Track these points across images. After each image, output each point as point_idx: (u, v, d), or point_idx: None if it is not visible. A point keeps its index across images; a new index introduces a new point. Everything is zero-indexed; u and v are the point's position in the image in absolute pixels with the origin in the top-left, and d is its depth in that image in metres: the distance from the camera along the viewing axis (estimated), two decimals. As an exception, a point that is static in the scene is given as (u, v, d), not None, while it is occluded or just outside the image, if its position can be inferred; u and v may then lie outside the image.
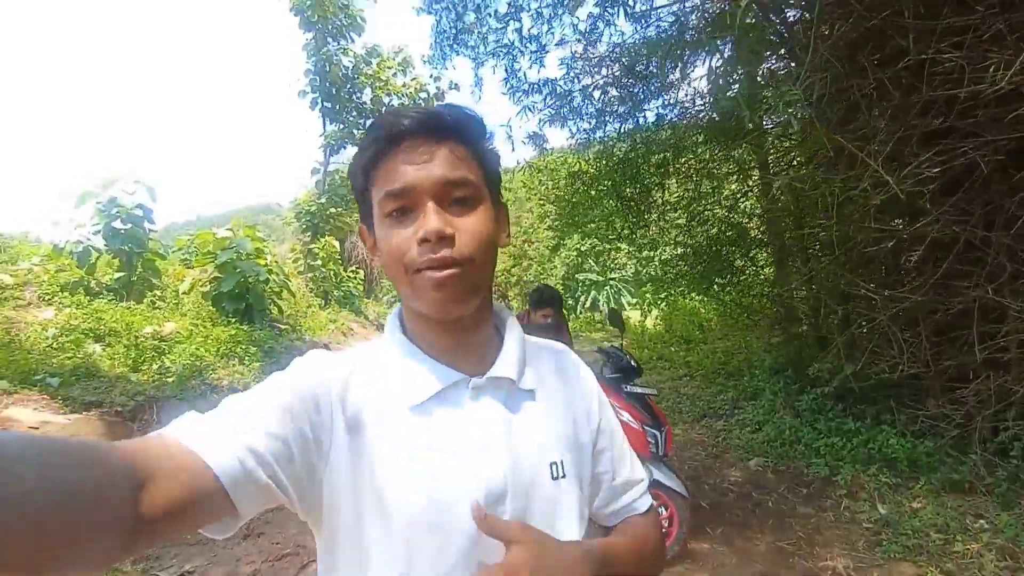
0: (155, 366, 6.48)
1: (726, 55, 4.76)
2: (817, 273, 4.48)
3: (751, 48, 3.69)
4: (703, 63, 5.66)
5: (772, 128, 5.51)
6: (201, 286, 9.39)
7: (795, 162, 5.23)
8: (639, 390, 3.11)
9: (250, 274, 9.08)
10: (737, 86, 4.86)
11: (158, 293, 9.40)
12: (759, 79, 4.28)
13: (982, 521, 2.84)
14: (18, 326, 6.37)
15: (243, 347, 7.68)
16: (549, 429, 0.65)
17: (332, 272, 13.55)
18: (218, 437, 0.50)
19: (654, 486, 2.77)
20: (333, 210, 14.61)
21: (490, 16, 6.66)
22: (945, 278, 3.32)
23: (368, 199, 0.62)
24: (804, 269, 5.50)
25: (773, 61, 4.80)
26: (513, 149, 5.95)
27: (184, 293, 9.55)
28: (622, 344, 3.62)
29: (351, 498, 0.57)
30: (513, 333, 0.69)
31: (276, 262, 10.48)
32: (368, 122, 14.54)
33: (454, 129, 0.61)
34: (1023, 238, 2.90)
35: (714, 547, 3.07)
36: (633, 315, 13.98)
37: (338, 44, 14.50)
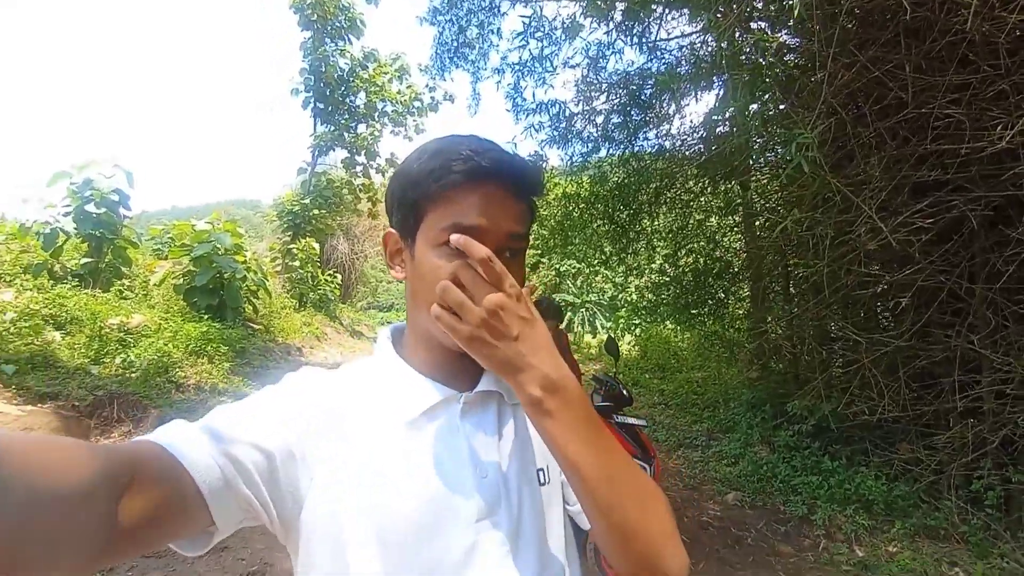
0: (118, 359, 6.21)
1: (723, 92, 4.90)
2: (802, 312, 4.55)
3: (755, 88, 3.79)
4: (700, 98, 5.81)
5: (761, 167, 5.67)
6: (174, 279, 9.09)
7: (780, 203, 5.37)
8: (630, 420, 3.08)
9: (227, 270, 8.83)
10: (731, 124, 4.99)
11: (127, 283, 9.07)
12: (750, 119, 4.40)
13: (957, 569, 2.88)
14: (-26, 308, 6.04)
15: (214, 345, 7.43)
16: (534, 438, 0.67)
17: (309, 274, 13.31)
18: (203, 445, 0.50)
19: None
20: (316, 212, 14.40)
21: (492, 33, 6.73)
22: (927, 326, 3.41)
23: (420, 215, 0.61)
24: (786, 307, 5.62)
25: (765, 103, 4.93)
26: None
27: (155, 285, 9.24)
28: (615, 373, 3.60)
29: (337, 515, 0.56)
30: None
31: (255, 260, 10.23)
32: (358, 125, 14.45)
33: (533, 187, 0.64)
34: (1005, 292, 3.00)
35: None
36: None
37: (336, 45, 14.46)
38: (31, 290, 7.02)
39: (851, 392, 3.89)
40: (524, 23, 5.26)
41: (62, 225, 8.19)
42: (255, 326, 9.87)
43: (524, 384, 0.53)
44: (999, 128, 2.39)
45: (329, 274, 14.60)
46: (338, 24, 14.15)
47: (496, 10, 6.47)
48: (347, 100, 15.12)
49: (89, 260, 8.51)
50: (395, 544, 0.56)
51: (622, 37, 5.21)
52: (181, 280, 8.87)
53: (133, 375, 5.97)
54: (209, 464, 0.49)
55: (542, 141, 5.71)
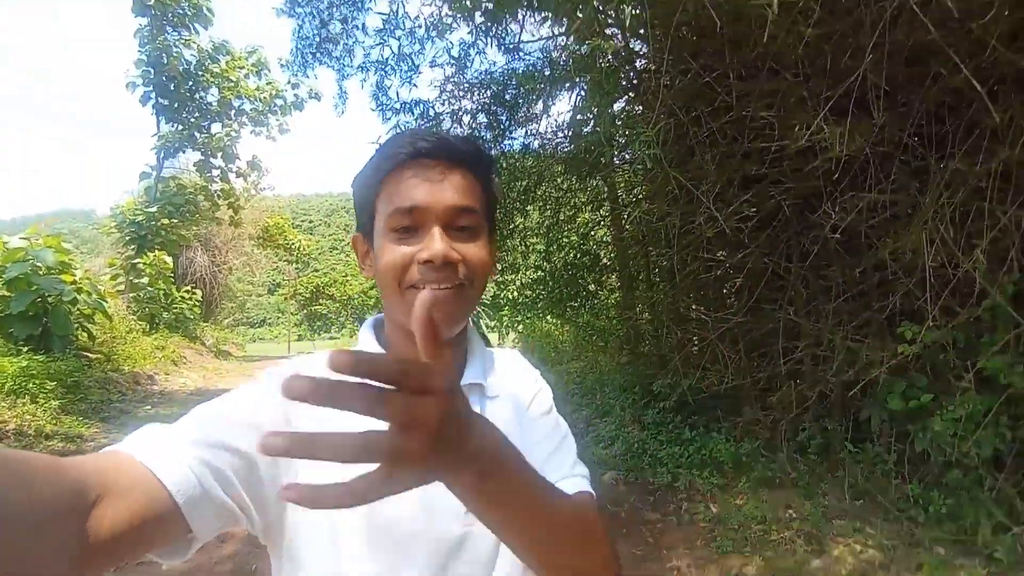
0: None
1: (583, 93, 5.19)
2: (659, 297, 4.97)
3: (605, 90, 4.07)
4: (564, 99, 6.10)
5: (622, 164, 6.10)
6: (-22, 305, 7.63)
7: (641, 196, 5.82)
8: None
9: (51, 292, 7.61)
10: (594, 123, 5.31)
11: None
12: (606, 119, 4.73)
13: (791, 511, 3.31)
14: None
15: (36, 382, 6.34)
16: (512, 431, 0.65)
17: (162, 291, 11.88)
18: (176, 452, 0.48)
19: None
20: (166, 221, 12.86)
21: (357, 28, 6.50)
22: (758, 302, 3.89)
23: (372, 210, 0.64)
24: (648, 294, 6.09)
25: (624, 103, 5.32)
26: None
27: (-46, 314, 7.68)
28: None
29: (323, 518, 0.56)
30: (476, 342, 0.74)
31: (88, 279, 8.92)
32: (211, 124, 13.25)
33: (467, 158, 0.65)
34: (814, 269, 3.52)
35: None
36: (492, 338, 14.26)
37: (179, 35, 13.03)
38: None
39: (704, 366, 4.32)
40: (384, 20, 5.15)
41: None
42: (92, 355, 8.60)
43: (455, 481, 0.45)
44: (798, 128, 2.78)
45: (186, 290, 13.15)
46: (180, 11, 12.72)
47: (360, 3, 6.26)
48: (196, 96, 13.74)
49: None
50: (388, 541, 0.57)
51: (485, 38, 5.30)
52: (-9, 307, 7.47)
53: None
54: (183, 472, 0.47)
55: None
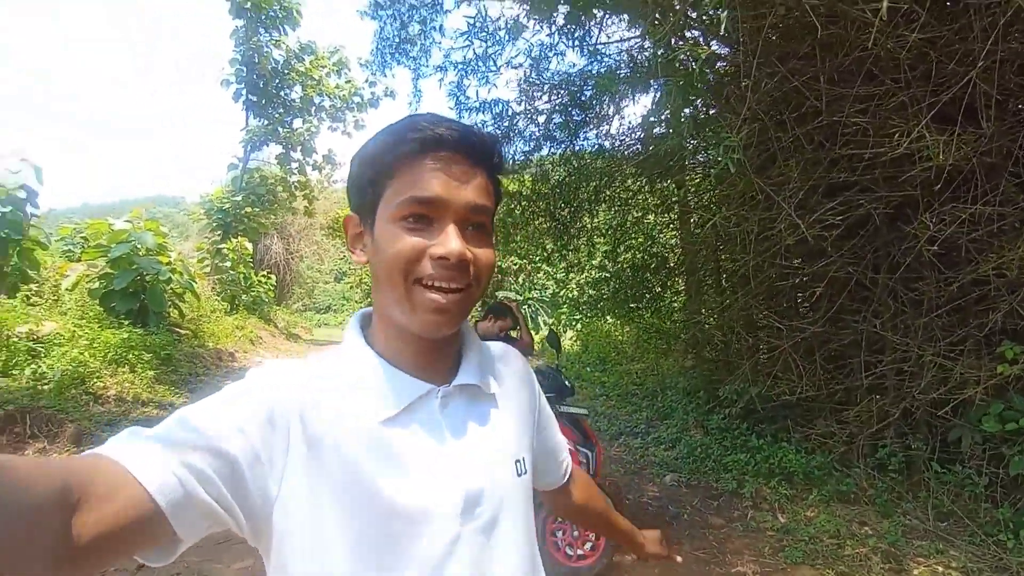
0: (28, 371, 5.73)
1: (659, 95, 5.17)
2: (731, 303, 4.89)
3: (685, 93, 4.05)
4: (638, 101, 6.08)
5: (694, 168, 6.02)
6: (88, 282, 8.44)
7: (713, 201, 5.73)
8: (572, 410, 3.22)
9: (149, 272, 8.31)
10: (667, 125, 5.28)
11: (35, 288, 8.34)
12: (684, 121, 4.69)
13: (867, 528, 3.22)
14: None
15: (136, 353, 6.98)
16: (511, 429, 0.68)
17: (242, 275, 12.72)
18: (157, 455, 0.47)
19: None
20: (249, 209, 13.76)
21: (435, 30, 6.73)
22: (838, 312, 3.78)
23: (378, 191, 0.60)
24: (717, 299, 6.00)
25: (700, 106, 5.25)
26: None
27: (67, 289, 8.54)
28: (558, 365, 3.74)
29: (311, 519, 0.54)
30: (472, 340, 0.71)
31: (181, 260, 9.68)
32: (293, 119, 13.92)
33: (489, 157, 0.64)
34: (903, 281, 3.39)
35: (637, 560, 3.21)
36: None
37: (270, 36, 13.91)
38: (-78, 295, 6.35)
39: (774, 375, 4.24)
40: (468, 23, 5.31)
41: (-41, 223, 7.42)
42: (181, 331, 9.34)
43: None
44: (897, 136, 2.70)
45: (263, 275, 14.02)
46: (272, 14, 13.59)
47: (439, 7, 6.48)
48: (282, 93, 14.59)
49: (-9, 262, 7.75)
50: (378, 545, 0.55)
51: (564, 39, 5.37)
52: (97, 284, 8.26)
53: (46, 387, 5.53)
54: (166, 476, 0.46)
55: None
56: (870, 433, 3.60)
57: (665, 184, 6.33)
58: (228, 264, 12.46)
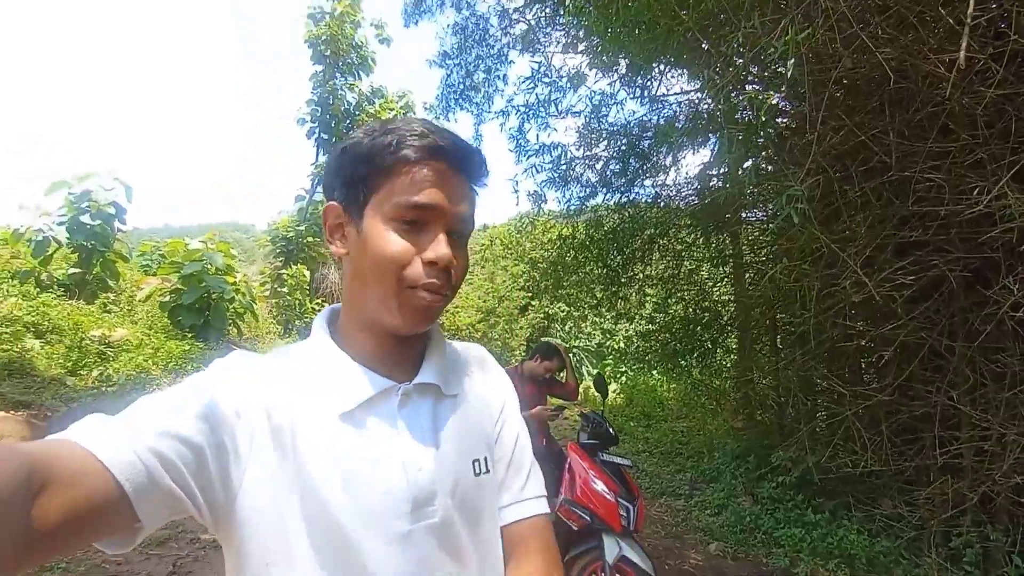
0: (96, 372, 6.09)
1: (718, 147, 5.13)
2: (788, 363, 4.63)
3: (744, 144, 3.99)
4: (696, 151, 6.07)
5: (750, 221, 5.87)
6: (160, 295, 9.01)
7: (769, 256, 5.54)
8: (616, 460, 3.07)
9: (216, 290, 8.79)
10: (726, 177, 5.20)
11: (112, 296, 8.97)
12: (744, 174, 4.61)
13: (938, 627, 2.85)
14: (-43, 309, 5.96)
15: (195, 365, 7.31)
16: (471, 430, 0.69)
17: (297, 301, 13.23)
18: (122, 440, 0.47)
19: (622, 561, 2.70)
20: (310, 239, 14.46)
21: (498, 79, 7.03)
22: (909, 381, 3.49)
23: (369, 187, 0.61)
24: (772, 358, 5.70)
25: (759, 160, 5.16)
26: (517, 204, 6.14)
27: (141, 300, 9.15)
28: (602, 411, 3.61)
29: (273, 508, 0.56)
30: (437, 341, 0.72)
31: (245, 283, 10.20)
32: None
33: (478, 171, 0.67)
34: (983, 351, 3.10)
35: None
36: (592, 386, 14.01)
37: (345, 80, 14.96)
38: (15, 296, 6.93)
39: (835, 444, 3.92)
40: (533, 69, 5.51)
41: (55, 234, 8.17)
42: (238, 348, 9.75)
43: None
44: (976, 193, 2.53)
45: (317, 303, 14.49)
46: (350, 61, 14.69)
47: (504, 58, 6.79)
48: (351, 133, 15.37)
49: (77, 271, 8.44)
50: (331, 539, 0.56)
51: (625, 88, 5.47)
52: (168, 297, 8.80)
53: (110, 389, 5.85)
54: (131, 460, 0.46)
55: (542, 182, 5.89)
56: (943, 519, 3.24)
57: (720, 237, 6.20)
58: (286, 290, 13.01)
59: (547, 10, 5.77)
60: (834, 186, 3.24)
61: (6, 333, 5.81)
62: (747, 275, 5.99)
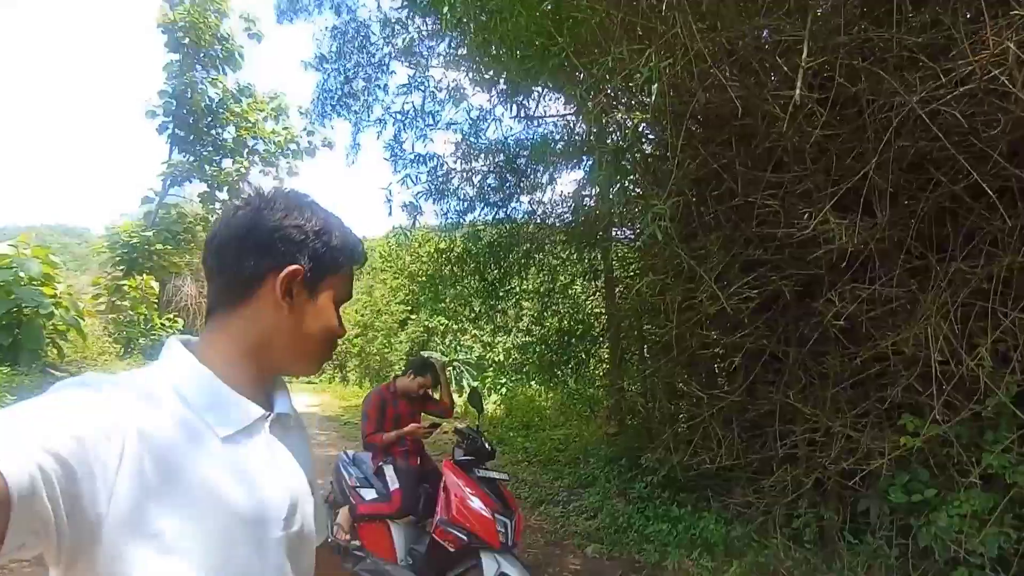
0: None
1: (591, 167, 5.44)
2: (655, 371, 4.98)
3: (613, 166, 4.27)
4: (571, 171, 6.38)
5: (620, 239, 6.29)
6: (-48, 312, 7.37)
7: (636, 272, 5.97)
8: (492, 475, 3.07)
9: (29, 304, 7.42)
10: (597, 197, 5.52)
11: None
12: (614, 196, 4.92)
13: (783, 602, 3.20)
14: None
15: (0, 394, 6.06)
16: (306, 455, 0.80)
17: (143, 316, 11.62)
18: (14, 447, 0.45)
19: None
20: (160, 246, 12.79)
21: (379, 87, 6.83)
22: (754, 383, 3.92)
23: (327, 274, 0.74)
24: (641, 367, 6.11)
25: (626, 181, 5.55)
26: (390, 214, 5.95)
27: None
28: (478, 426, 3.57)
29: (143, 530, 0.55)
30: (283, 378, 0.82)
31: (69, 294, 8.72)
32: (223, 159, 13.76)
33: None
34: (812, 354, 3.59)
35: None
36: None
37: (208, 73, 13.66)
38: None
39: (695, 444, 4.29)
40: (410, 76, 5.43)
41: None
42: (58, 373, 8.26)
43: None
44: (805, 218, 2.93)
45: (168, 317, 12.87)
46: (213, 53, 13.44)
47: (385, 67, 6.62)
48: (213, 132, 14.20)
49: None
50: (218, 552, 0.59)
51: (503, 105, 5.58)
52: (-35, 313, 7.24)
53: None
54: (27, 472, 0.44)
55: (418, 193, 5.80)
56: (785, 503, 3.65)
57: (592, 253, 6.55)
58: (128, 303, 11.38)
59: (430, 23, 5.74)
60: (691, 208, 3.58)
61: None
62: (617, 289, 6.39)
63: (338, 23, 6.69)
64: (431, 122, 5.82)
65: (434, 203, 6.23)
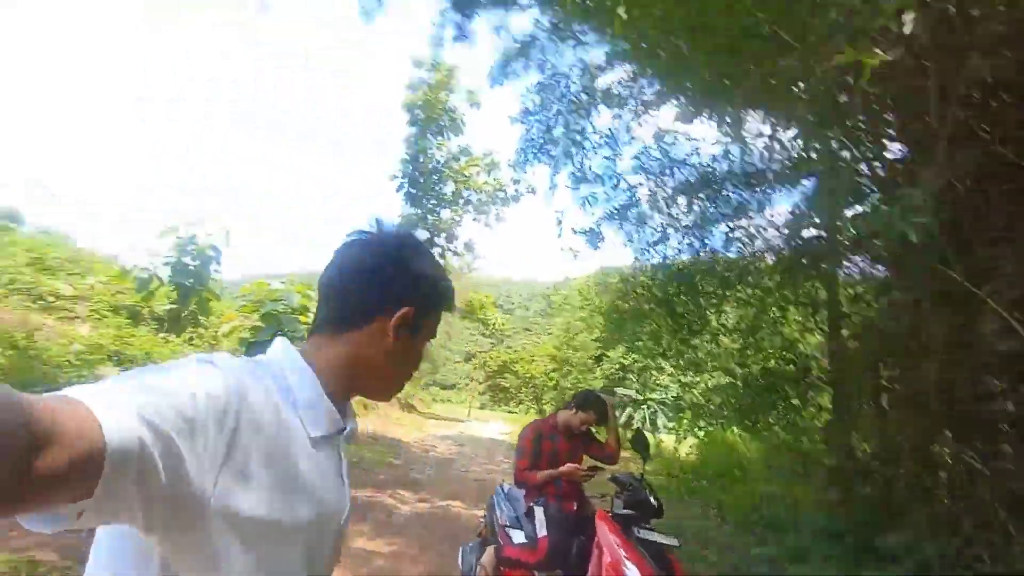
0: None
1: (815, 186, 4.70)
2: (899, 428, 3.98)
3: (841, 188, 3.52)
4: (784, 193, 5.69)
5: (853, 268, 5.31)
6: (241, 332, 9.48)
7: (870, 301, 4.94)
8: (657, 538, 2.50)
9: (288, 329, 9.12)
10: (826, 216, 4.73)
11: (200, 331, 9.54)
12: (848, 221, 4.09)
13: None
14: (52, 336, 6.49)
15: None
16: (348, 473, 0.84)
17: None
18: (125, 412, 0.47)
19: None
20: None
21: (577, 133, 7.05)
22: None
23: (428, 316, 0.81)
24: (877, 421, 4.98)
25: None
26: (560, 235, 5.99)
27: (224, 335, 9.65)
28: (643, 473, 2.95)
29: (235, 515, 0.57)
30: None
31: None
32: (442, 210, 16.45)
33: None
34: None
35: None
36: (668, 440, 13.07)
37: (435, 140, 16.74)
38: (107, 327, 7.48)
39: (964, 532, 3.27)
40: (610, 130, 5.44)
41: (158, 272, 8.94)
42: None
43: None
44: None
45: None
46: (441, 124, 16.43)
47: (585, 113, 6.84)
48: (436, 188, 17.13)
49: (174, 306, 9.11)
50: (297, 537, 0.65)
51: (704, 121, 5.26)
52: (247, 333, 9.25)
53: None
54: (126, 437, 0.45)
55: (598, 218, 5.73)
56: None
57: (813, 285, 5.64)
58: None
59: (630, 69, 5.75)
60: (965, 207, 2.70)
61: (88, 360, 6.21)
62: (842, 325, 5.36)
63: (542, 79, 7.13)
64: (619, 151, 5.75)
65: (619, 227, 6.10)
